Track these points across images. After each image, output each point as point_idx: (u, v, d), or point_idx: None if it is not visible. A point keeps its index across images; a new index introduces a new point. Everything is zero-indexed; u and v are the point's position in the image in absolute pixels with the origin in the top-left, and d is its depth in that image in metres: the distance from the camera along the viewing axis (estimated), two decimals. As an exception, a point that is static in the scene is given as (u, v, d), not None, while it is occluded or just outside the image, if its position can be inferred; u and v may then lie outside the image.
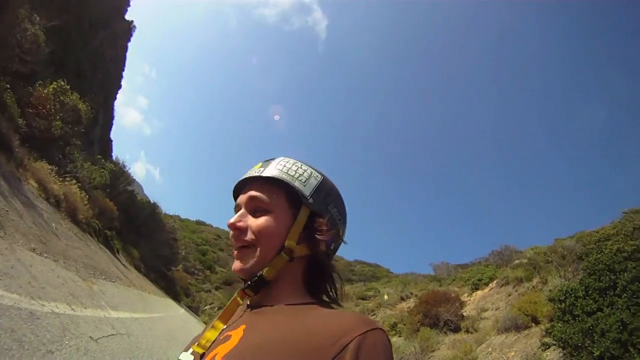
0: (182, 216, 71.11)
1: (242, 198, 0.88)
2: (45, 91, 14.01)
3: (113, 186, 23.01)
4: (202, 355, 0.78)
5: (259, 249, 0.83)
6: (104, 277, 10.01)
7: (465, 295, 16.92)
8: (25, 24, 13.91)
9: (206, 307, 34.23)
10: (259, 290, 0.83)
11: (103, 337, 5.67)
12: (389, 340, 0.70)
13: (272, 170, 0.87)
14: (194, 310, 31.56)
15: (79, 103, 16.11)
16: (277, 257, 0.82)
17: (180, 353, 0.84)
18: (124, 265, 16.66)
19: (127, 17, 41.16)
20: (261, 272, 0.82)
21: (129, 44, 43.18)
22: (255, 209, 0.86)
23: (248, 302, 0.88)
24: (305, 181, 0.87)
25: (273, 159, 0.91)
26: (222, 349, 0.73)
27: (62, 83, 14.96)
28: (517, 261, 15.83)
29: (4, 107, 11.49)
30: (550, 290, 9.56)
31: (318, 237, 0.85)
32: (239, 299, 0.87)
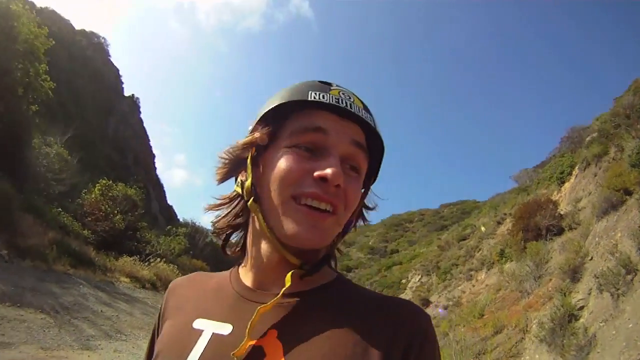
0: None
1: (339, 136, 0.64)
2: (92, 196, 15.58)
3: (194, 246, 24.98)
4: None
5: (341, 219, 0.65)
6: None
7: (555, 193, 16.60)
8: (44, 149, 15.65)
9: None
10: (319, 270, 0.67)
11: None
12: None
13: (375, 124, 0.68)
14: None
15: (127, 190, 17.55)
16: (339, 233, 0.68)
17: None
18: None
19: (126, 93, 43.40)
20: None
21: (141, 116, 45.72)
22: (351, 163, 0.66)
23: (246, 281, 0.71)
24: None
25: (365, 104, 0.69)
26: None
27: (104, 181, 16.58)
28: (588, 138, 15.28)
29: (65, 227, 13.02)
30: (629, 156, 9.44)
31: (364, 212, 0.74)
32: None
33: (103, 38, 40.69)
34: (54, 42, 16.35)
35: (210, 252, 25.92)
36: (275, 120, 0.65)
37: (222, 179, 0.71)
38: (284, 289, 0.61)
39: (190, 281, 0.79)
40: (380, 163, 0.71)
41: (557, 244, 11.40)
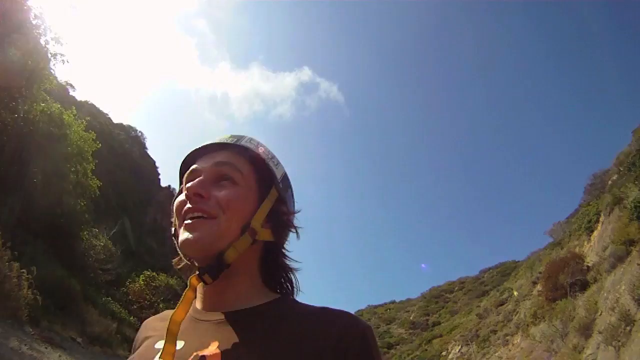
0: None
1: (203, 164, 0.78)
2: (137, 285, 17.05)
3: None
4: None
5: (222, 221, 0.72)
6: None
7: (585, 243, 16.83)
8: (92, 241, 17.49)
9: None
10: (217, 276, 0.72)
11: None
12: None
13: (246, 142, 0.81)
14: None
15: (169, 280, 18.96)
16: (240, 238, 0.74)
17: None
18: None
19: (163, 184, 45.98)
20: (222, 253, 0.72)
21: (178, 205, 47.98)
22: (221, 177, 0.76)
23: (197, 305, 0.79)
24: (276, 165, 0.83)
25: (243, 136, 0.83)
26: None
27: (147, 272, 18.12)
28: (610, 181, 15.78)
29: (114, 314, 14.31)
30: (631, 208, 10.10)
31: (285, 222, 0.81)
32: (190, 292, 0.74)
33: (140, 132, 44.12)
34: (100, 145, 18.83)
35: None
36: (181, 180, 0.82)
37: None
38: (186, 290, 0.73)
39: (159, 316, 0.88)
40: (270, 168, 0.80)
41: (581, 301, 11.79)
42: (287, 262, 0.84)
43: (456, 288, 59.68)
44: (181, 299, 0.74)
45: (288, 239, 0.86)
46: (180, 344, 0.70)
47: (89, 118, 20.05)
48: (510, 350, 16.21)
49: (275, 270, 0.83)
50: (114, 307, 14.89)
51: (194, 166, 0.79)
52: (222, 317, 0.73)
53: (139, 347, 0.82)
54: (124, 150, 41.99)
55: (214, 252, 0.73)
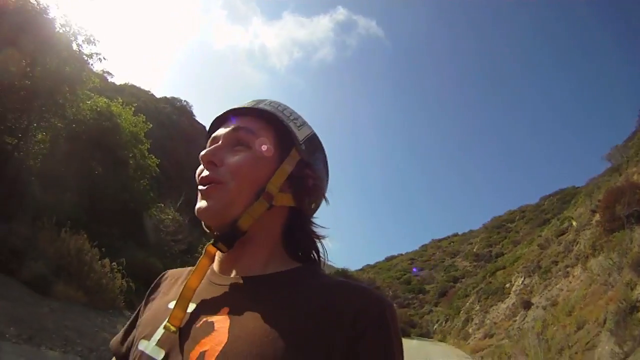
0: (371, 262, 76.36)
1: (223, 130, 0.78)
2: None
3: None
4: (180, 346, 0.65)
5: (232, 187, 0.72)
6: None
7: (647, 169, 16.13)
8: (160, 216, 18.98)
9: (435, 326, 36.34)
10: (232, 244, 0.73)
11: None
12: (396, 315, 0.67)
13: (265, 105, 0.79)
14: (425, 335, 34.29)
15: None
16: (255, 203, 0.72)
17: (139, 341, 0.73)
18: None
19: None
20: (236, 220, 0.72)
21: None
22: (236, 142, 0.76)
23: (215, 267, 0.79)
24: (299, 126, 0.80)
25: (263, 99, 0.82)
26: (210, 345, 0.62)
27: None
28: None
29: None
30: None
31: (308, 187, 0.78)
32: (206, 259, 0.75)
33: (185, 101, 45.17)
34: (151, 125, 19.87)
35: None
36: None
37: None
38: (201, 257, 0.74)
39: (180, 271, 0.88)
40: (290, 129, 0.77)
41: (637, 233, 11.55)
42: (314, 229, 0.80)
43: (517, 217, 58.61)
44: (196, 265, 0.75)
45: (318, 204, 0.83)
46: (192, 306, 0.71)
47: (133, 101, 21.10)
48: (570, 282, 16.22)
49: (300, 238, 0.79)
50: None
51: (215, 134, 0.80)
52: (236, 281, 0.72)
53: (154, 298, 0.85)
54: (172, 122, 43.27)
55: (228, 219, 0.72)
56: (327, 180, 0.85)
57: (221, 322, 0.65)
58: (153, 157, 19.12)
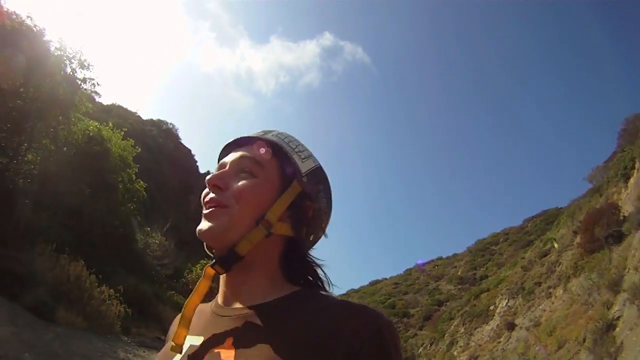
0: (356, 287, 75.90)
1: (231, 156, 0.83)
2: (194, 275, 18.37)
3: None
4: None
5: (234, 212, 0.76)
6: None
7: (623, 190, 16.69)
8: (147, 239, 18.96)
9: (420, 350, 36.30)
10: (229, 267, 0.76)
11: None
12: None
13: (272, 137, 0.83)
14: (410, 359, 34.31)
15: None
16: (253, 230, 0.76)
17: None
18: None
19: (202, 170, 47.24)
20: (235, 244, 0.75)
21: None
22: (242, 169, 0.80)
23: (219, 300, 0.82)
24: (304, 158, 0.84)
25: (272, 130, 0.87)
26: None
27: (204, 261, 19.62)
28: None
29: (180, 306, 15.90)
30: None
31: (306, 218, 0.81)
32: (205, 280, 0.79)
33: (171, 124, 45.31)
34: (139, 150, 19.96)
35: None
36: None
37: None
38: (200, 279, 0.78)
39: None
40: (293, 161, 0.81)
41: (616, 254, 12.03)
42: (311, 259, 0.84)
43: (501, 239, 59.46)
44: (195, 287, 0.79)
45: (317, 236, 0.87)
46: (199, 340, 0.74)
47: (121, 123, 21.17)
48: (553, 303, 16.63)
49: (297, 266, 0.82)
50: (178, 299, 16.22)
51: (222, 160, 0.84)
52: (239, 312, 0.75)
53: (168, 339, 0.89)
54: (158, 145, 42.98)
55: (227, 242, 0.75)
56: (329, 214, 0.88)
57: (227, 353, 0.68)
58: (140, 181, 19.17)
